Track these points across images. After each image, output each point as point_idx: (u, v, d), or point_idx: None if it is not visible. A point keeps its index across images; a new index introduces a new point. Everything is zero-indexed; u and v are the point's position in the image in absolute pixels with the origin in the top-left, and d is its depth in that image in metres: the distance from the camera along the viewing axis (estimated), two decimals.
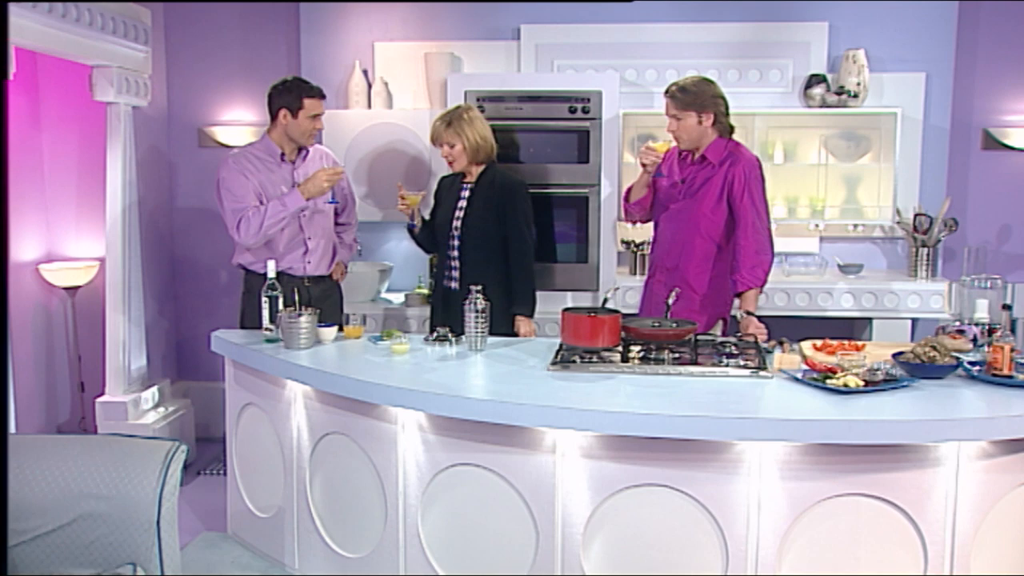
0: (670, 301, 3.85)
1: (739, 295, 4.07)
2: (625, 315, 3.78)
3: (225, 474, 4.34)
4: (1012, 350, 3.28)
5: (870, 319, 5.09)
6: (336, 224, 4.79)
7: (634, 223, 4.58)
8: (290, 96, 4.41)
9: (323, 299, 4.58)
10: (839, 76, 5.22)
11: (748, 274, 4.03)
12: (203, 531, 4.43)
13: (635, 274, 5.29)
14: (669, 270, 4.21)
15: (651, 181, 4.27)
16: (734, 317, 4.11)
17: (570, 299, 5.08)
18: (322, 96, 4.47)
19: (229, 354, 4.10)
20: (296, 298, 4.19)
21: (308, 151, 4.59)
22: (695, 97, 4.05)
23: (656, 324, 3.73)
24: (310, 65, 5.65)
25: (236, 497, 4.20)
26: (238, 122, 5.90)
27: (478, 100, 5.04)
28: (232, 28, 5.86)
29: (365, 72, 5.56)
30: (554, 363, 3.55)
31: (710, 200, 4.10)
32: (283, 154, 4.50)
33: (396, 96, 5.52)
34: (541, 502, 3.19)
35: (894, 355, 3.44)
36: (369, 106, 5.47)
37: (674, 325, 3.70)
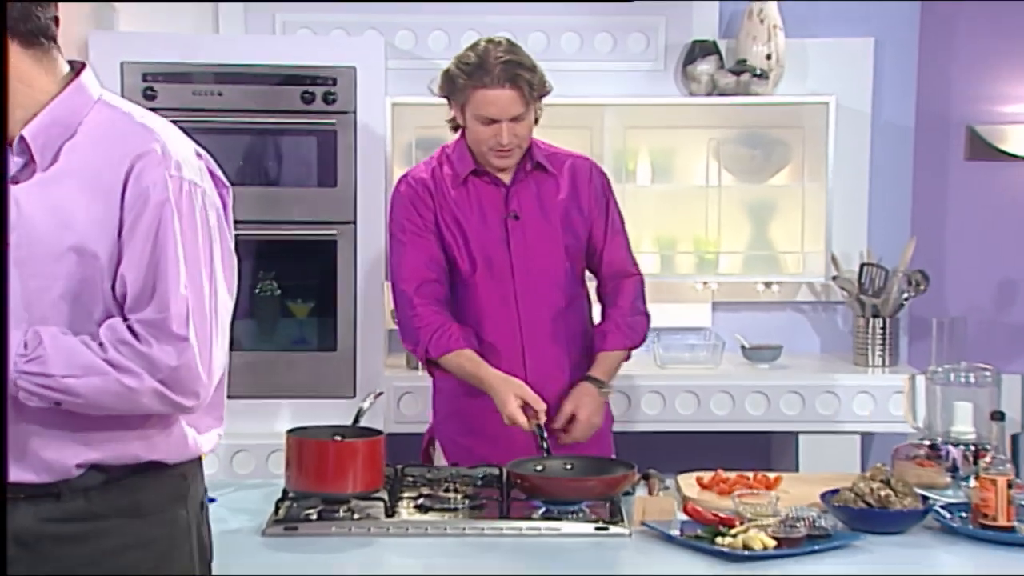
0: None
1: (599, 354, 3.82)
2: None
3: None
4: (1010, 486, 3.02)
5: (795, 434, 4.80)
6: None
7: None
8: None
9: None
10: (738, 44, 4.98)
11: (631, 328, 3.85)
12: None
13: (417, 367, 4.68)
14: (521, 350, 3.76)
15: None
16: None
17: (306, 411, 4.50)
18: None
19: None
20: None
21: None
22: (541, 79, 3.71)
23: (569, 467, 3.34)
24: None
25: None
26: None
27: (145, 78, 4.50)
28: None
29: None
30: (275, 522, 3.15)
31: (562, 227, 3.86)
32: None
33: None
34: None
35: (824, 495, 3.18)
36: None
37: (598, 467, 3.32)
